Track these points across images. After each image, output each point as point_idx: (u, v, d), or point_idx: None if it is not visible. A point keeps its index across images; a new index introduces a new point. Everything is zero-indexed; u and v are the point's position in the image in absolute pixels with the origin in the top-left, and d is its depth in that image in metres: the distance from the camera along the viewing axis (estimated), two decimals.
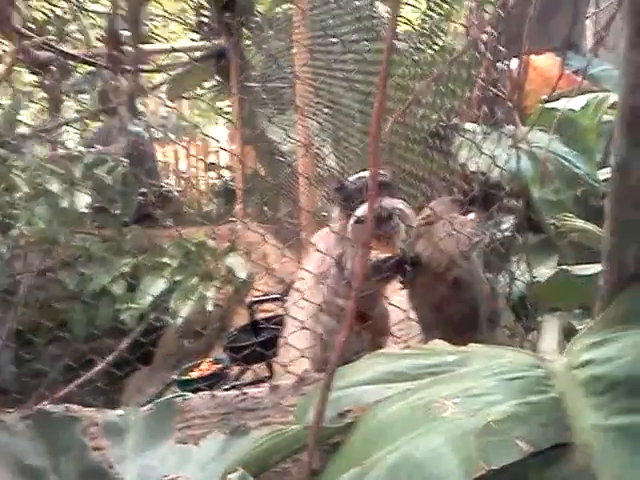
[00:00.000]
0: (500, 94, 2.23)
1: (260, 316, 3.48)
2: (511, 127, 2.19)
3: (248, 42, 6.18)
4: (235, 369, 3.25)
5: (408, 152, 2.83)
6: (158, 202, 6.14)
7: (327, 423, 0.96)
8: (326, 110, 4.19)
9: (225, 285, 4.60)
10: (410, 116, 2.66)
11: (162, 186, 6.69)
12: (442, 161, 2.37)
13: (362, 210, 1.91)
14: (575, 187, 2.20)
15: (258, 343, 2.87)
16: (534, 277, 1.63)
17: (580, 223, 1.74)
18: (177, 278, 4.56)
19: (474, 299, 1.80)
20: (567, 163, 2.16)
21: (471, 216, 1.93)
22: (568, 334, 1.49)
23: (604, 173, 2.29)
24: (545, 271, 1.85)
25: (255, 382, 2.87)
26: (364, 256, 1.26)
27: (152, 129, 7.64)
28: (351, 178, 2.16)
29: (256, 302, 3.35)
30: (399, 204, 2.01)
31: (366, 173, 2.05)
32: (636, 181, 1.01)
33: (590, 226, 1.82)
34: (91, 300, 4.88)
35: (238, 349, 2.96)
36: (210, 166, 8.13)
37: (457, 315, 1.79)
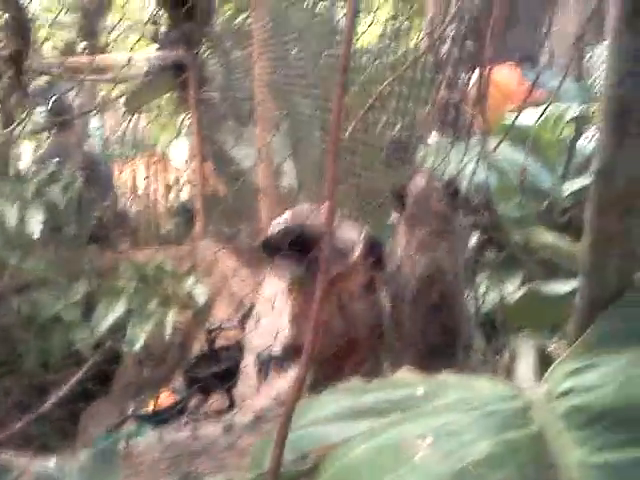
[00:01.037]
0: (463, 105, 2.21)
1: (221, 342, 3.39)
2: (475, 139, 2.17)
3: (207, 53, 6.12)
4: (194, 399, 3.15)
5: (369, 162, 2.81)
6: (114, 222, 6.00)
7: (287, 467, 0.89)
8: (286, 123, 4.14)
9: (184, 309, 4.49)
10: (372, 125, 2.63)
11: (116, 205, 6.54)
12: (404, 171, 2.34)
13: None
14: (539, 201, 2.18)
15: (217, 371, 2.78)
16: (502, 296, 1.59)
17: (550, 238, 1.70)
18: (134, 303, 4.45)
19: (457, 319, 1.76)
20: (531, 177, 2.15)
21: None
22: (541, 356, 1.45)
23: (568, 187, 2.29)
24: (511, 288, 1.82)
25: (215, 413, 2.78)
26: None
27: (110, 145, 7.50)
28: (274, 226, 2.09)
29: (215, 329, 3.26)
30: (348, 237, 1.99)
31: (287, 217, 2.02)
32: (622, 187, 0.94)
33: (561, 241, 1.79)
34: (44, 328, 4.71)
35: (196, 379, 2.87)
36: (169, 185, 7.98)
37: (437, 338, 1.75)
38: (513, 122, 2.34)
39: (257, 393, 1.95)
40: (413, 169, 2.15)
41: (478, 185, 1.80)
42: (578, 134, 2.72)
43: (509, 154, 2.03)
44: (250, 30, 5.16)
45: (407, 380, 1.02)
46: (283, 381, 1.81)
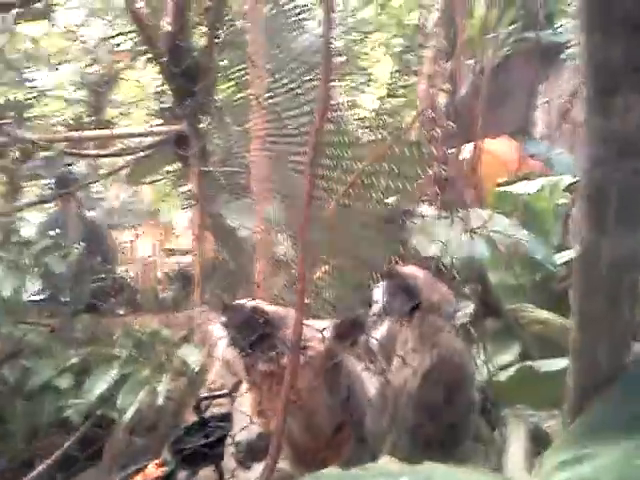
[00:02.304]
0: (453, 178, 2.18)
1: (213, 411, 3.24)
2: (464, 211, 2.12)
3: (207, 127, 6.19)
4: (183, 473, 2.98)
5: (359, 237, 2.75)
6: (111, 290, 5.92)
7: None
8: (280, 195, 4.12)
9: (178, 377, 4.35)
10: (363, 200, 2.59)
11: (115, 273, 6.47)
12: (396, 246, 2.29)
13: None
14: (534, 271, 2.12)
15: (206, 443, 2.64)
16: (494, 371, 1.51)
17: (542, 314, 1.63)
18: (127, 370, 4.31)
19: (461, 414, 1.68)
20: (524, 247, 2.09)
21: None
22: (536, 437, 1.35)
23: (563, 256, 2.23)
24: (506, 358, 1.75)
25: None
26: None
27: (112, 214, 7.50)
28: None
29: (205, 398, 3.12)
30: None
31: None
32: (606, 270, 0.89)
33: (552, 317, 1.72)
34: (34, 395, 4.56)
35: (183, 451, 2.72)
36: (169, 251, 7.96)
37: (438, 431, 1.64)
38: (505, 192, 2.30)
39: None
40: (403, 248, 2.13)
41: (469, 257, 1.75)
42: (573, 203, 2.68)
43: (502, 225, 1.99)
44: (248, 105, 5.24)
45: (390, 469, 0.93)
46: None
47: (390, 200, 2.42)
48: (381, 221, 2.42)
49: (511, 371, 1.46)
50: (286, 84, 4.22)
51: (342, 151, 2.66)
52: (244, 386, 2.34)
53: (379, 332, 1.83)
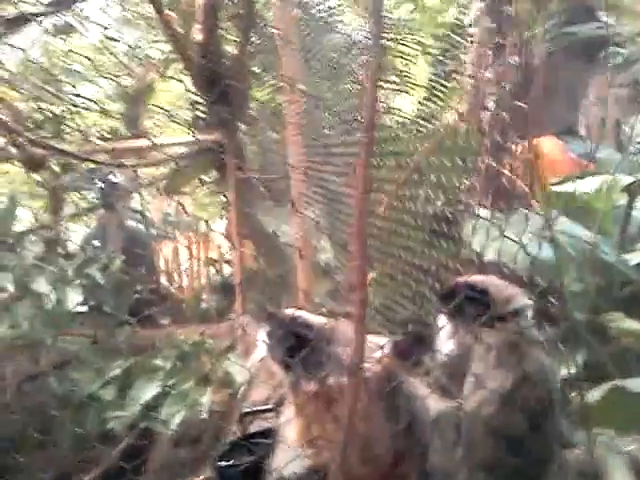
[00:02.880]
0: (513, 176, 2.01)
1: (259, 425, 3.09)
2: (525, 211, 1.95)
3: (243, 135, 6.09)
4: None
5: (409, 240, 2.57)
6: (155, 300, 5.85)
7: None
8: (322, 201, 3.98)
9: (222, 389, 4.24)
10: (411, 199, 2.42)
11: (159, 283, 6.41)
12: (450, 248, 2.10)
13: None
14: (603, 275, 1.93)
15: (249, 462, 2.50)
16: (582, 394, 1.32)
17: (633, 325, 1.44)
18: (170, 382, 4.22)
19: (557, 432, 1.46)
20: (591, 249, 1.90)
21: None
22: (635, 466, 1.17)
23: (631, 259, 2.04)
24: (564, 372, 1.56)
25: None
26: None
27: (153, 225, 7.47)
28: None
29: (248, 413, 2.97)
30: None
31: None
32: None
33: None
34: (79, 407, 4.50)
35: (227, 468, 2.57)
36: (209, 261, 7.87)
37: (521, 461, 1.42)
38: (560, 192, 2.13)
39: None
40: (460, 251, 1.94)
41: (537, 261, 1.57)
42: (631, 203, 2.53)
43: (566, 226, 1.80)
44: (284, 113, 5.12)
45: None
46: None
47: (442, 199, 2.24)
48: (433, 220, 2.23)
49: (599, 392, 1.26)
50: (320, 85, 4.08)
51: (386, 148, 2.50)
52: (288, 408, 2.16)
53: (447, 346, 1.64)
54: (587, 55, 5.38)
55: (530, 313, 1.55)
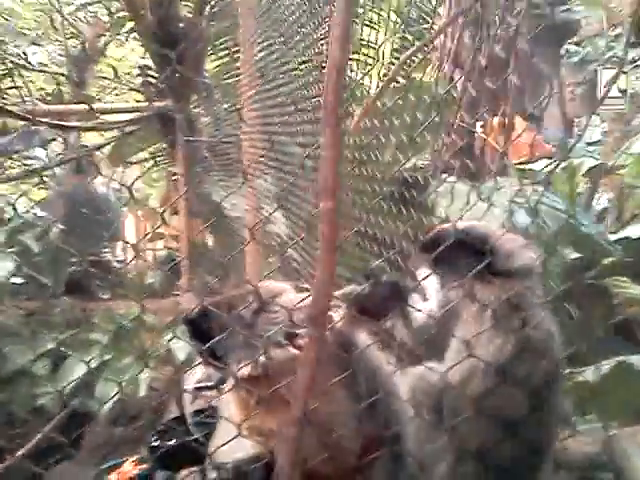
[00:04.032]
0: (491, 145, 1.83)
1: (201, 404, 2.85)
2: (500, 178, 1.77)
3: (195, 104, 5.75)
4: (162, 473, 2.60)
5: (370, 209, 2.33)
6: (96, 272, 5.50)
7: None
8: (275, 171, 3.72)
9: (163, 366, 3.97)
10: (374, 164, 2.18)
11: (101, 254, 6.04)
12: (415, 217, 1.87)
13: None
14: (582, 249, 1.75)
15: (189, 442, 2.26)
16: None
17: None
18: (107, 357, 3.93)
19: (559, 414, 1.18)
20: (573, 222, 1.73)
21: None
22: None
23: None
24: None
25: None
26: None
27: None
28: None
29: (189, 391, 2.71)
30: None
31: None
32: None
33: None
34: (9, 380, 4.16)
35: (162, 449, 2.33)
36: (158, 236, 7.51)
37: (515, 453, 1.16)
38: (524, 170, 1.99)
39: None
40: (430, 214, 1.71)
41: (514, 229, 1.35)
42: (593, 188, 2.49)
43: (544, 197, 1.62)
44: (239, 83, 4.85)
45: None
46: None
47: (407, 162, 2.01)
48: (395, 185, 1.99)
49: (603, 370, 1.06)
50: (277, 54, 3.80)
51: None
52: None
53: (426, 304, 1.33)
54: (556, 43, 5.29)
55: (538, 273, 1.30)
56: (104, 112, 5.62)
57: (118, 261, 6.70)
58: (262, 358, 1.18)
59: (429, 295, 1.33)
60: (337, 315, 1.23)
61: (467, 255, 1.21)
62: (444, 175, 1.86)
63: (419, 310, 1.25)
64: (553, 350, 1.14)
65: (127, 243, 8.08)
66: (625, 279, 1.37)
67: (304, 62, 3.07)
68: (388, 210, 1.94)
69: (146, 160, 6.80)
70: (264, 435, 1.20)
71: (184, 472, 2.33)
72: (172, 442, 2.35)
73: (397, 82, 2.23)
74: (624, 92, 5.73)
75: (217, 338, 1.21)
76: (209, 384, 2.72)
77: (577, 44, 7.34)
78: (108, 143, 5.64)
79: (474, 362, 1.13)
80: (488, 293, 1.22)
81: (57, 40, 6.88)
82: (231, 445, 1.21)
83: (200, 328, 1.29)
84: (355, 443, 1.21)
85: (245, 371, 1.20)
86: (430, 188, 1.75)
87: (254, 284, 1.30)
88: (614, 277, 1.39)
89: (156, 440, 2.45)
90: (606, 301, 1.38)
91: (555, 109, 5.18)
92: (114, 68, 6.42)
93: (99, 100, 6.39)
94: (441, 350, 1.24)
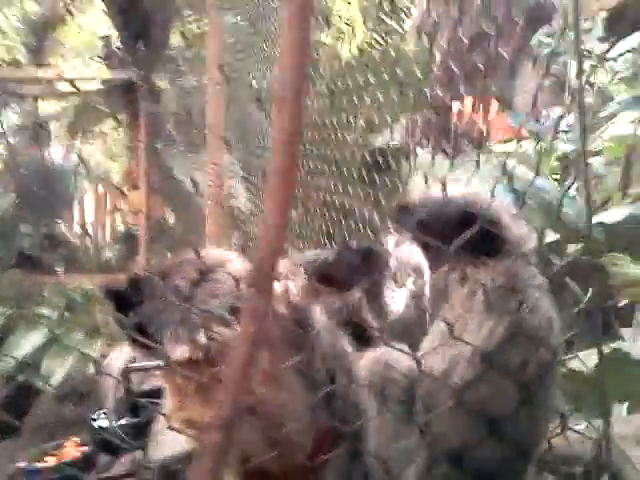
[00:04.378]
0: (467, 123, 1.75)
1: (152, 383, 2.68)
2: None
3: (160, 75, 5.53)
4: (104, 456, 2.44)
5: (335, 189, 2.21)
6: (49, 245, 5.28)
7: None
8: (239, 146, 3.58)
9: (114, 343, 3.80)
10: (340, 144, 2.05)
11: (54, 227, 5.79)
12: (386, 194, 1.75)
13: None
14: (562, 231, 1.67)
15: (131, 425, 2.11)
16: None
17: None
18: (56, 332, 3.75)
19: (551, 411, 1.01)
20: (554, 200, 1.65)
21: None
22: None
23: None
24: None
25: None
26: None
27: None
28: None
29: (136, 369, 2.53)
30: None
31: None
32: None
33: None
34: None
35: (102, 430, 2.17)
36: (117, 210, 7.26)
37: (514, 445, 1.00)
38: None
39: None
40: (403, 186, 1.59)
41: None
42: (566, 172, 2.44)
43: (522, 174, 1.52)
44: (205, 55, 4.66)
45: None
46: None
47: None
48: (363, 164, 1.85)
49: (594, 356, 0.94)
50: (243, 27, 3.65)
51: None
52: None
53: (406, 282, 1.17)
54: (530, 28, 5.23)
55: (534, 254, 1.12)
56: (63, 80, 5.37)
57: (74, 235, 6.46)
58: (202, 337, 1.03)
59: (410, 273, 1.15)
60: (294, 285, 1.09)
61: (459, 228, 0.92)
62: (419, 149, 1.76)
63: (395, 292, 1.09)
64: (550, 338, 0.99)
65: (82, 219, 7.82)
66: (625, 256, 1.26)
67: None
68: (359, 177, 1.80)
69: (107, 132, 6.55)
70: (200, 429, 1.00)
71: (127, 457, 2.19)
72: (115, 424, 2.19)
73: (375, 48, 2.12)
74: (592, 85, 5.74)
75: (144, 311, 1.03)
76: (155, 364, 2.51)
77: (548, 35, 7.36)
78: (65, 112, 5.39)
79: (460, 347, 0.99)
80: (481, 273, 1.04)
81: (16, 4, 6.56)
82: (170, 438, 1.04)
83: (128, 301, 1.08)
84: (307, 438, 1.04)
85: (181, 352, 1.02)
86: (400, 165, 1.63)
87: (195, 249, 1.09)
88: (611, 254, 1.29)
89: (98, 421, 2.29)
90: (602, 281, 1.27)
91: (523, 97, 5.16)
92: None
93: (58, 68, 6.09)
94: (417, 338, 1.07)
